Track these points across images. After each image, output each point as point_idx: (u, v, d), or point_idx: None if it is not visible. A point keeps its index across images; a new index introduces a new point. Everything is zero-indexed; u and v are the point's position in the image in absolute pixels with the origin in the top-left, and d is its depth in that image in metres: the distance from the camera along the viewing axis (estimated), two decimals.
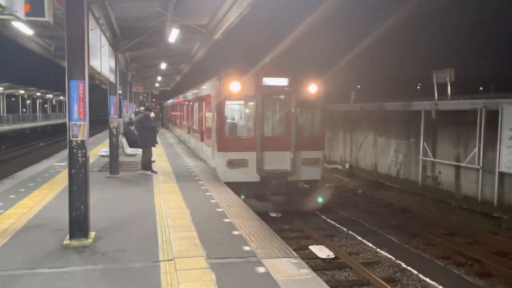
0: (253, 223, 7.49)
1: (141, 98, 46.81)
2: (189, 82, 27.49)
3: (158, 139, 15.33)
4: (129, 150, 14.12)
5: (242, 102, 13.18)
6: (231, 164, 11.92)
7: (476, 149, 15.10)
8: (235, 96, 12.22)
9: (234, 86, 11.95)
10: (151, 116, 13.66)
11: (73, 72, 6.05)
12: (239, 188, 11.28)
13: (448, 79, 17.80)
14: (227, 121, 12.77)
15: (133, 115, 17.21)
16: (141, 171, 12.82)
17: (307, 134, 12.98)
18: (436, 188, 17.19)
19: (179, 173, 12.90)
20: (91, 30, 7.06)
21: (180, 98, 26.17)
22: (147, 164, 12.90)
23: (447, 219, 13.52)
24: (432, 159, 17.58)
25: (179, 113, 26.88)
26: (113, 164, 12.24)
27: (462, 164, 16.01)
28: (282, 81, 12.29)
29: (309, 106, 12.91)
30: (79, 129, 6.11)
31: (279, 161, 12.20)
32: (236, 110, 13.75)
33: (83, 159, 6.15)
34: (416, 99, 20.69)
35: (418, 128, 18.27)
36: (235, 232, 6.89)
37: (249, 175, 12.00)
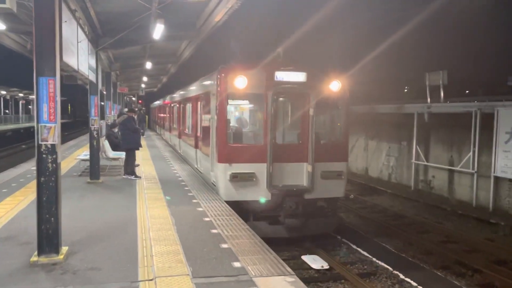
0: (243, 234, 6.90)
1: (128, 99, 45.90)
2: (177, 82, 26.41)
3: (143, 141, 14.70)
4: (112, 154, 13.41)
5: (249, 101, 11.23)
6: (235, 179, 9.52)
7: (471, 153, 14.74)
8: (241, 94, 9.89)
9: (240, 81, 9.54)
10: (135, 117, 13.00)
11: (42, 68, 5.41)
12: (245, 209, 9.49)
13: (441, 81, 17.44)
14: (230, 125, 10.58)
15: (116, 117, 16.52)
16: (124, 176, 12.15)
17: (327, 141, 10.81)
18: (429, 193, 16.80)
19: (164, 178, 12.24)
20: (65, 22, 6.39)
21: (170, 98, 23.95)
22: (130, 168, 12.23)
23: (443, 225, 13.10)
24: (425, 163, 17.19)
25: (168, 115, 24.58)
26: (94, 168, 11.53)
27: (456, 168, 15.63)
28: (299, 76, 9.96)
29: (330, 107, 10.75)
30: (49, 131, 5.46)
31: (294, 174, 9.97)
32: (242, 112, 11.91)
33: (54, 165, 5.49)
34: (407, 102, 20.34)
35: (410, 131, 17.88)
36: (224, 245, 6.29)
37: (258, 192, 9.67)
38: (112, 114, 21.17)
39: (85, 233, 6.79)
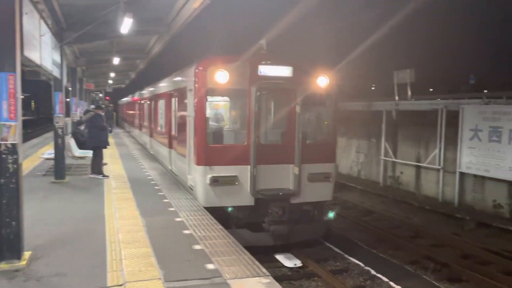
0: (216, 234, 6.76)
1: (93, 95, 44.65)
2: (147, 78, 25.41)
3: (110, 139, 14.27)
4: (78, 152, 12.93)
5: (230, 98, 10.48)
6: (215, 183, 8.70)
7: (437, 150, 15.13)
8: (222, 89, 9.07)
9: (220, 76, 8.71)
10: (102, 114, 12.57)
11: (2, 63, 5.09)
12: (226, 215, 8.80)
13: (408, 80, 17.80)
14: (210, 124, 9.77)
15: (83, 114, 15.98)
16: (91, 175, 11.74)
17: (315, 141, 10.12)
18: (398, 189, 17.15)
19: (133, 177, 11.91)
20: (26, 14, 6.04)
21: (140, 94, 22.90)
22: (97, 167, 11.83)
23: (411, 221, 13.38)
24: (394, 160, 17.53)
25: (138, 112, 23.40)
26: (59, 167, 11.07)
27: (423, 165, 16.02)
28: (285, 71, 9.23)
29: (317, 105, 10.11)
30: (10, 130, 5.14)
31: (279, 177, 9.24)
32: (223, 109, 11.12)
33: (15, 166, 5.18)
34: (376, 99, 20.69)
35: (379, 128, 18.19)
36: (197, 247, 6.13)
37: (240, 197, 8.92)
38: (78, 111, 20.45)
39: (49, 237, 6.48)
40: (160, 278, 5.00)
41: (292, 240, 9.35)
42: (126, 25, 9.96)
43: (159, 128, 15.08)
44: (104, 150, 12.39)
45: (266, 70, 9.12)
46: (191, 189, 9.61)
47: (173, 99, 12.18)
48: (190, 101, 9.55)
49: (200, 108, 8.96)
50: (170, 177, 11.98)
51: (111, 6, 9.68)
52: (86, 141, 12.84)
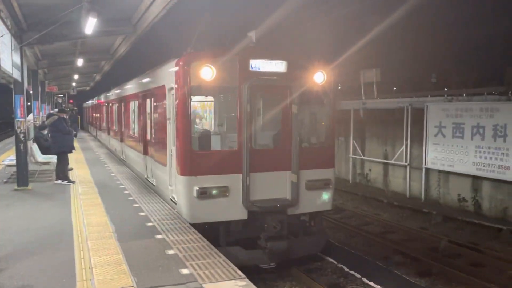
0: (190, 238, 6.64)
1: (56, 98, 43.25)
2: (114, 79, 24.32)
3: (76, 144, 13.80)
4: (41, 158, 12.43)
5: (218, 97, 9.61)
6: (203, 195, 7.63)
7: (404, 147, 15.52)
8: (208, 87, 8.11)
9: (207, 72, 7.70)
10: (66, 118, 12.16)
11: None
12: (215, 231, 7.85)
13: (374, 79, 18.19)
14: (196, 126, 8.99)
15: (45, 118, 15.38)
16: (56, 181, 11.33)
17: (311, 144, 9.11)
18: (367, 186, 17.49)
19: (101, 182, 11.56)
20: None
21: (108, 96, 21.28)
22: (63, 173, 11.43)
23: (381, 217, 13.65)
24: (362, 157, 17.86)
25: (105, 115, 21.80)
26: (21, 174, 10.62)
27: (390, 162, 16.40)
28: (278, 66, 8.25)
29: (314, 103, 9.16)
30: None
31: (274, 186, 8.25)
32: (209, 110, 10.24)
33: None
34: (344, 98, 21.01)
35: (347, 127, 18.48)
36: (170, 251, 6.00)
37: (232, 210, 7.87)
38: (40, 115, 19.72)
39: (13, 247, 6.18)
40: (133, 286, 4.85)
41: (291, 256, 8.42)
42: (90, 25, 9.67)
43: (131, 132, 13.83)
44: (70, 155, 11.99)
45: (259, 65, 8.11)
46: (174, 202, 8.50)
47: (148, 100, 11.06)
48: (170, 101, 8.52)
49: (183, 110, 7.81)
50: (140, 181, 11.70)
51: (74, 6, 9.37)
52: (50, 146, 12.37)
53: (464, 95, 14.57)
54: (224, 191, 7.80)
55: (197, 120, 9.86)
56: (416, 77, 16.47)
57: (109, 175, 12.88)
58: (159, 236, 6.69)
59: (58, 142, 11.51)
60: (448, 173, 13.95)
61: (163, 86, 9.06)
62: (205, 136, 8.37)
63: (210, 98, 10.14)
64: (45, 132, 13.38)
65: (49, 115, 13.34)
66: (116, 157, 16.73)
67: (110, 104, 19.80)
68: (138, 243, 6.36)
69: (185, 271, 5.29)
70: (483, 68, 14.09)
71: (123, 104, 15.59)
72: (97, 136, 27.86)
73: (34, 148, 12.48)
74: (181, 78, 7.86)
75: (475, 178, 13.08)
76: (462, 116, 13.27)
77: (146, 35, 12.52)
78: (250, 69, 8.08)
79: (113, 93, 19.18)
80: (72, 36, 11.41)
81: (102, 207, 8.65)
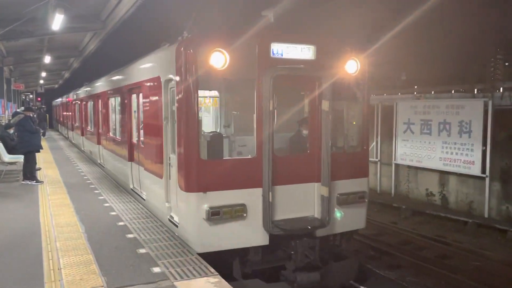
0: (162, 237, 6.60)
1: (24, 96, 41.96)
2: (87, 75, 22.91)
3: (44, 143, 13.47)
4: (7, 157, 12.06)
5: (231, 91, 7.98)
6: (215, 216, 6.00)
7: (374, 143, 15.85)
8: (219, 79, 6.33)
9: (218, 59, 6.03)
10: (33, 117, 11.83)
11: None
12: (229, 261, 6.29)
13: None
14: (202, 130, 7.04)
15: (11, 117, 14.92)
16: (23, 182, 11.02)
17: (342, 149, 7.32)
18: None
19: (70, 181, 11.32)
20: None
21: (81, 93, 19.08)
22: (30, 173, 11.12)
23: None
24: None
25: (78, 114, 19.78)
26: None
27: None
28: (306, 51, 6.59)
29: (346, 99, 7.50)
30: None
31: (300, 202, 6.67)
32: (211, 108, 8.62)
33: None
34: None
35: None
36: (141, 250, 5.94)
37: (250, 234, 6.26)
38: (6, 113, 19.10)
39: None
40: (103, 286, 4.79)
41: None
42: (57, 21, 9.45)
43: (111, 134, 12.03)
44: (38, 155, 11.69)
45: (282, 50, 6.42)
46: (174, 224, 6.75)
47: (134, 96, 9.38)
48: (168, 97, 6.88)
49: (187, 107, 6.05)
50: (111, 180, 11.51)
51: (40, 2, 9.13)
52: (16, 146, 12.01)
53: (433, 92, 15.02)
54: (240, 210, 6.15)
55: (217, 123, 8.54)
56: (387, 75, 16.79)
57: (79, 174, 12.61)
58: (130, 235, 6.62)
59: (24, 142, 11.20)
60: (416, 168, 14.34)
61: (157, 78, 7.26)
62: (217, 140, 6.70)
63: (214, 92, 8.45)
64: (11, 131, 13.00)
65: (15, 114, 12.96)
66: (92, 161, 15.59)
67: (85, 102, 17.94)
68: (108, 243, 6.27)
69: (156, 269, 5.26)
70: (452, 66, 14.55)
71: (101, 100, 13.62)
72: (68, 137, 25.84)
73: (0, 147, 12.09)
74: (184, 66, 6.06)
75: (442, 173, 13.50)
76: (429, 113, 13.66)
77: (117, 30, 12.32)
78: (271, 55, 6.36)
79: (89, 89, 16.98)
80: (39, 33, 11.14)
81: (71, 207, 8.48)
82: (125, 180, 10.06)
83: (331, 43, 7.04)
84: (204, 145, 6.40)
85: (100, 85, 14.06)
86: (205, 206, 5.97)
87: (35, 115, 12.81)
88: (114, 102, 11.73)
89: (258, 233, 6.28)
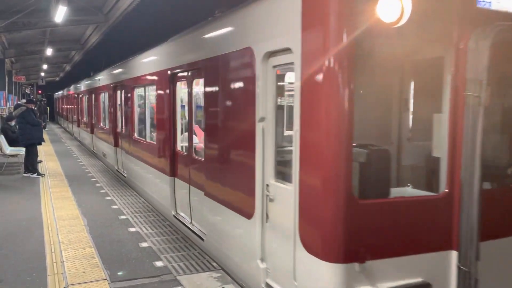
0: (164, 231, 6.60)
1: (24, 89, 41.92)
2: (90, 66, 22.18)
3: (45, 135, 13.45)
4: (9, 150, 12.05)
5: (411, 68, 4.45)
6: None
7: None
8: (392, 45, 3.49)
9: (389, 7, 3.10)
10: (34, 109, 11.82)
11: None
12: None
13: None
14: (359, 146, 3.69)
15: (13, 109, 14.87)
16: (25, 174, 11.03)
17: None
18: None
19: (72, 174, 11.32)
20: None
21: (89, 84, 16.17)
22: (32, 165, 11.13)
23: None
24: None
25: (86, 109, 17.06)
26: None
27: None
28: None
29: None
30: None
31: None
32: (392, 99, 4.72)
33: None
34: None
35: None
36: (144, 244, 5.95)
37: None
38: (7, 105, 19.07)
39: None
40: (106, 279, 4.80)
41: None
42: (60, 14, 9.40)
43: (136, 135, 9.45)
44: (39, 147, 11.69)
45: None
46: None
47: (183, 84, 6.56)
48: (269, 81, 4.09)
49: (334, 99, 3.18)
50: (112, 173, 11.49)
51: None
52: (17, 138, 12.01)
53: None
54: None
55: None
56: None
57: (80, 167, 12.62)
58: (132, 229, 6.62)
59: (26, 134, 11.20)
60: None
61: (246, 51, 4.40)
62: (381, 162, 3.71)
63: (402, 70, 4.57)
64: (13, 123, 12.99)
65: (16, 106, 12.92)
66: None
67: (97, 93, 14.48)
68: (111, 236, 6.28)
69: (159, 263, 5.26)
70: None
71: (123, 91, 10.44)
72: (73, 133, 22.95)
73: (1, 140, 12.08)
74: (327, 21, 3.22)
75: None
76: None
77: (119, 24, 12.27)
78: (476, 4, 3.53)
79: (103, 77, 13.23)
80: (41, 25, 11.09)
81: (73, 200, 8.48)
82: (163, 203, 7.34)
83: None
84: (357, 170, 3.46)
85: (123, 71, 10.56)
86: None
87: (36, 108, 12.77)
88: (146, 93, 8.95)
89: None
